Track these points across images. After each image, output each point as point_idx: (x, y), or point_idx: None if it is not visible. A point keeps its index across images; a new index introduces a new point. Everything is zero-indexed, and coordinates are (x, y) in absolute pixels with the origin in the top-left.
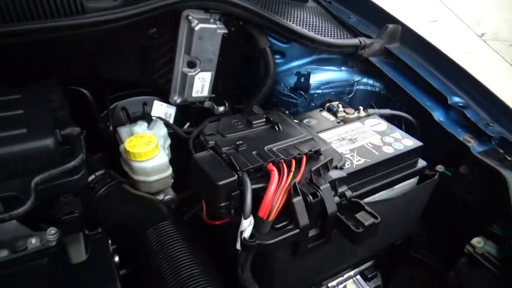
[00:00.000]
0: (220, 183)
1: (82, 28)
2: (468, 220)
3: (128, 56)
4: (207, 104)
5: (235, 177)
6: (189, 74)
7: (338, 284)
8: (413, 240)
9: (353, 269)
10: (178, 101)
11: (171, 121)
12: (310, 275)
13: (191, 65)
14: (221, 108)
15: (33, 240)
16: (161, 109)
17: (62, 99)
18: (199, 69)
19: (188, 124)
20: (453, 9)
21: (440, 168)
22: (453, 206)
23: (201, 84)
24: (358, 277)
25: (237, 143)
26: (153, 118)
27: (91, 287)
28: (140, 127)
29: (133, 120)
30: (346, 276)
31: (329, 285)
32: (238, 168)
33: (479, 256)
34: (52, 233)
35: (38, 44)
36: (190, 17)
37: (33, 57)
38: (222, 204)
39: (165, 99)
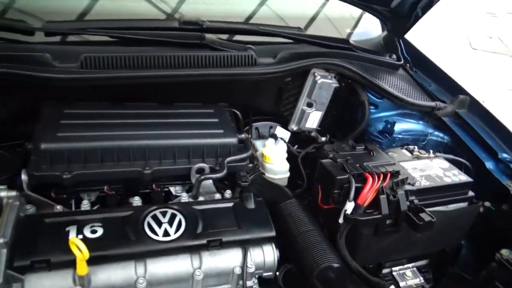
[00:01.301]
0: (338, 177)
1: (252, 76)
2: (504, 243)
3: (269, 94)
4: (313, 134)
5: (346, 176)
6: (307, 111)
7: (400, 269)
8: (458, 255)
9: (412, 262)
10: (295, 128)
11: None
12: (381, 253)
13: (309, 105)
14: (323, 138)
15: (227, 194)
16: (281, 132)
17: (232, 115)
18: (314, 109)
19: (296, 146)
20: None
21: (487, 204)
22: (494, 233)
23: (313, 119)
24: (415, 269)
25: (347, 157)
26: (278, 138)
27: (258, 222)
28: (270, 142)
29: (261, 137)
30: (405, 266)
31: (393, 268)
32: (348, 171)
33: (504, 261)
34: (228, 192)
35: (221, 81)
36: (315, 73)
37: (216, 88)
38: (335, 191)
39: (285, 126)
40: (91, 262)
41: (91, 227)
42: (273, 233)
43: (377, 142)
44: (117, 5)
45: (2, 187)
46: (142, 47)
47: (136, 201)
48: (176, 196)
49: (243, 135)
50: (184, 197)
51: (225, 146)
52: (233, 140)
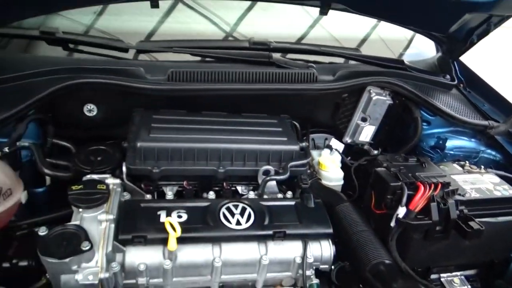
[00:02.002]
0: (391, 184)
1: (313, 91)
2: None
3: (326, 108)
4: (366, 147)
5: (399, 183)
6: (361, 125)
7: (448, 276)
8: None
9: (460, 271)
10: (349, 141)
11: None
12: (430, 258)
13: (363, 119)
14: (375, 152)
15: (288, 194)
16: (336, 144)
17: (292, 126)
18: (368, 123)
19: (349, 157)
20: None
21: None
22: None
23: (367, 133)
24: (463, 277)
25: (400, 167)
26: (333, 149)
27: (317, 219)
28: (326, 152)
29: (316, 147)
30: (453, 273)
31: (441, 274)
32: (401, 179)
33: None
34: (289, 193)
35: (284, 95)
36: (371, 90)
37: (279, 102)
38: (389, 197)
39: (339, 138)
40: (177, 241)
41: (177, 212)
42: (330, 230)
43: (428, 157)
44: (179, 26)
45: (108, 176)
46: (217, 64)
47: (211, 195)
48: (242, 195)
49: (304, 144)
50: (251, 195)
51: (288, 152)
52: (295, 147)
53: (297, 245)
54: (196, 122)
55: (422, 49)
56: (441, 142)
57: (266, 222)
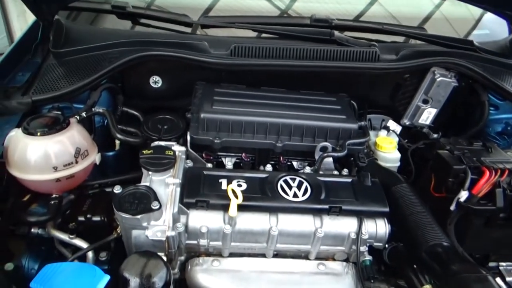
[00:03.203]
0: (454, 166)
1: (374, 70)
2: None
3: (386, 88)
4: (425, 130)
5: (463, 166)
6: (422, 107)
7: (508, 265)
8: None
9: None
10: (407, 123)
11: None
12: (489, 245)
13: (425, 101)
14: (435, 135)
15: (344, 172)
16: (393, 125)
17: (350, 105)
18: (429, 106)
19: (406, 140)
20: None
21: None
22: None
23: (427, 116)
24: None
25: (464, 151)
26: (390, 130)
27: (373, 197)
28: (384, 133)
29: (373, 128)
30: None
31: (500, 263)
32: (465, 163)
33: None
34: (346, 171)
35: (344, 73)
36: (435, 71)
37: (338, 80)
38: (450, 180)
39: (396, 120)
40: (238, 208)
41: (237, 182)
42: (386, 209)
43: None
44: (234, 2)
45: (174, 143)
46: (278, 40)
47: (269, 168)
48: (297, 170)
49: (362, 122)
50: (307, 171)
51: (346, 130)
52: (354, 125)
53: (352, 221)
54: (257, 97)
55: (493, 29)
56: (509, 128)
57: (323, 196)
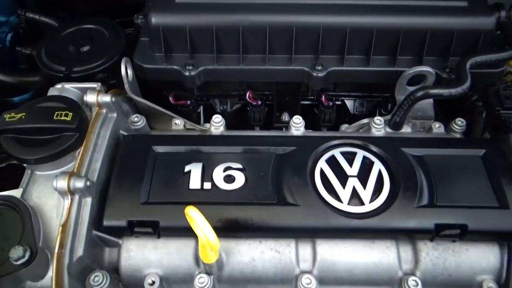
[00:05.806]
0: None
1: None
2: None
3: None
4: None
5: None
6: None
7: None
8: None
9: None
10: None
11: None
12: None
13: None
14: None
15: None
16: None
17: None
18: None
19: None
20: None
21: None
22: None
23: None
24: None
25: None
26: None
27: None
28: None
29: None
30: None
31: None
32: None
33: None
34: (460, 123)
35: None
36: None
37: None
38: None
39: None
40: (225, 233)
41: (224, 168)
42: None
43: None
44: None
45: (96, 85)
46: None
47: (297, 124)
48: (355, 119)
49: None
50: (378, 126)
51: (471, 33)
52: (487, 20)
53: (488, 253)
54: None
55: None
56: None
57: (417, 196)
